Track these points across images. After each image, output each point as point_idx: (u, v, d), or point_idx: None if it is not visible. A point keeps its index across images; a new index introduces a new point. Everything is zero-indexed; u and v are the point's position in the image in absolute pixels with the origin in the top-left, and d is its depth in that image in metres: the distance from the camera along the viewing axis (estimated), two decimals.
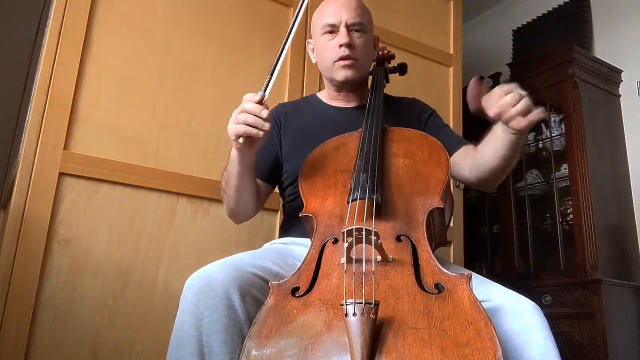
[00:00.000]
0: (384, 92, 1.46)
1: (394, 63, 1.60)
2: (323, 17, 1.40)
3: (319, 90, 1.75)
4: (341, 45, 1.35)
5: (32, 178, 1.51)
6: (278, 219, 1.86)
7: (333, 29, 1.38)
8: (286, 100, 1.87)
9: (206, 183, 1.76)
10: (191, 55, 1.84)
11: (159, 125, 1.74)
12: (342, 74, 1.38)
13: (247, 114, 1.09)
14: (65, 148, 1.57)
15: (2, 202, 1.85)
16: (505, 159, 1.15)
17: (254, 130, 1.08)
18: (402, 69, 1.61)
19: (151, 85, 1.75)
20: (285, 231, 1.36)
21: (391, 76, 1.60)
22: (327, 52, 1.39)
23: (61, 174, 1.55)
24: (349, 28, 1.36)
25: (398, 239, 0.99)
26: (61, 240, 1.53)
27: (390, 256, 0.93)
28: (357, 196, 1.04)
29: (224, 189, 1.30)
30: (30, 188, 1.50)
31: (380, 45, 1.55)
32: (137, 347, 1.57)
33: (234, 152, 1.18)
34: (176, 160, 1.75)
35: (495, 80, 3.17)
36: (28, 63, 2.23)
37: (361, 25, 1.38)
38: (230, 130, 1.11)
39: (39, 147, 1.53)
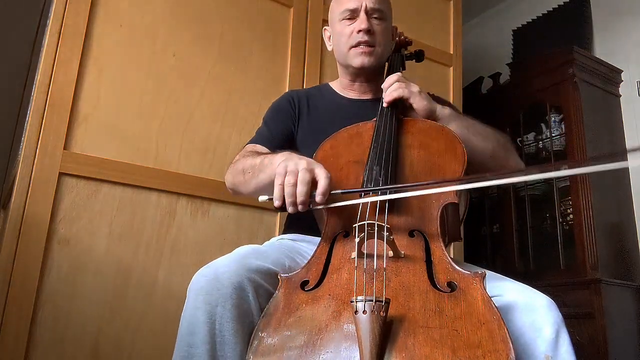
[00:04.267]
0: None
1: (410, 49, 1.56)
2: (342, 2, 1.37)
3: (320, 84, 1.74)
4: (359, 31, 1.32)
5: (32, 178, 1.51)
6: (278, 218, 1.86)
7: (352, 15, 1.35)
8: None
9: (206, 183, 1.76)
10: (191, 55, 1.84)
11: (159, 125, 1.74)
12: (358, 61, 1.35)
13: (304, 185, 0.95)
14: (65, 148, 1.57)
15: (2, 202, 1.85)
16: (467, 145, 1.18)
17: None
18: (418, 56, 1.56)
19: (151, 85, 1.75)
20: (289, 226, 1.33)
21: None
22: (345, 37, 1.36)
23: (61, 174, 1.55)
24: (369, 14, 1.34)
25: (411, 234, 0.97)
26: (61, 240, 1.53)
27: (403, 252, 0.91)
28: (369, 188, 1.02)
29: (244, 171, 1.19)
30: (30, 188, 1.50)
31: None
32: (138, 346, 1.57)
33: (279, 166, 0.99)
34: (176, 160, 1.75)
35: (495, 80, 3.17)
36: (28, 63, 2.23)
37: (381, 13, 1.35)
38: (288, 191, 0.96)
39: (39, 147, 1.53)
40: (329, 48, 1.47)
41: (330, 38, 1.45)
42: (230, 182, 1.28)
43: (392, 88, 1.23)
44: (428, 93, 1.45)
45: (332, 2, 1.43)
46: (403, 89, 1.22)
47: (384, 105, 1.22)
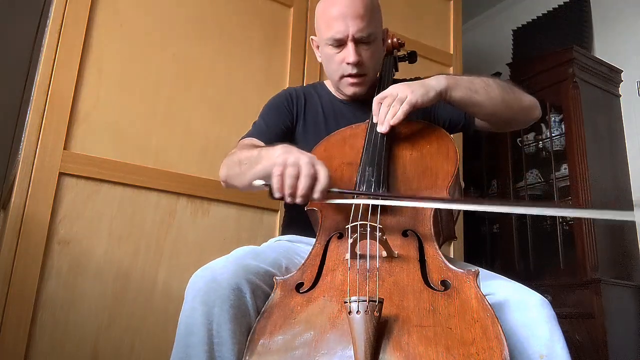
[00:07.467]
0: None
1: (403, 51, 1.54)
2: (328, 25, 1.27)
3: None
4: (348, 63, 1.26)
5: (32, 178, 1.51)
6: (278, 218, 1.86)
7: (339, 43, 1.27)
8: None
9: (206, 183, 1.76)
10: (191, 54, 1.84)
11: (159, 125, 1.74)
12: (350, 91, 1.32)
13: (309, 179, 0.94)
14: (65, 148, 1.57)
15: (2, 202, 1.85)
16: (477, 104, 1.20)
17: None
18: (411, 57, 1.55)
19: (151, 85, 1.75)
20: (287, 227, 1.33)
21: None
22: (334, 65, 1.30)
23: (61, 174, 1.55)
24: (356, 41, 1.25)
25: (404, 234, 0.97)
26: (61, 240, 1.53)
27: (396, 252, 0.92)
28: (362, 191, 1.03)
29: (240, 162, 1.15)
30: (30, 188, 1.50)
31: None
32: (137, 348, 1.57)
33: (278, 157, 0.98)
34: (176, 160, 1.75)
35: None
36: (28, 63, 2.23)
37: (369, 37, 1.26)
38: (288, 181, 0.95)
39: (39, 147, 1.53)
40: (319, 59, 1.39)
41: (318, 48, 1.38)
42: (224, 174, 1.24)
43: (384, 117, 1.13)
44: (418, 77, 1.43)
45: (318, 14, 1.33)
46: (396, 113, 1.11)
47: (382, 132, 1.15)
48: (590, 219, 2.47)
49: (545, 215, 2.79)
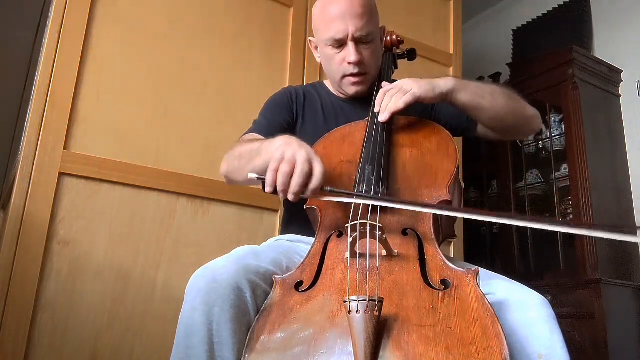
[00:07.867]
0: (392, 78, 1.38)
1: (402, 48, 1.53)
2: (327, 26, 1.27)
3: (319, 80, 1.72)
4: (350, 63, 1.27)
5: (32, 178, 1.51)
6: (278, 218, 1.86)
7: (339, 44, 1.27)
8: None
9: (206, 183, 1.76)
10: (191, 55, 1.84)
11: (159, 125, 1.74)
12: (352, 90, 1.32)
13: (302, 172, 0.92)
14: (65, 148, 1.57)
15: (2, 202, 1.85)
16: (481, 109, 1.21)
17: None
18: (410, 54, 1.54)
19: (151, 84, 1.75)
20: (286, 226, 1.33)
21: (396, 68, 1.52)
22: (335, 65, 1.30)
23: (61, 174, 1.55)
24: (357, 41, 1.25)
25: (404, 232, 0.97)
26: (61, 241, 1.53)
27: (396, 251, 0.92)
28: (362, 189, 1.02)
29: (240, 156, 1.15)
30: (30, 188, 1.50)
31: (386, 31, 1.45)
32: (137, 351, 1.57)
33: (277, 151, 0.96)
34: (176, 160, 1.75)
35: (495, 80, 3.17)
36: (28, 63, 2.23)
37: (368, 36, 1.26)
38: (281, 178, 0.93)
39: (39, 147, 1.53)
40: (317, 59, 1.40)
41: (317, 49, 1.38)
42: (224, 169, 1.22)
43: (385, 106, 1.15)
44: None
45: (315, 14, 1.33)
46: (396, 101, 1.13)
47: (382, 121, 1.17)
48: (590, 218, 2.47)
49: (545, 215, 2.80)
